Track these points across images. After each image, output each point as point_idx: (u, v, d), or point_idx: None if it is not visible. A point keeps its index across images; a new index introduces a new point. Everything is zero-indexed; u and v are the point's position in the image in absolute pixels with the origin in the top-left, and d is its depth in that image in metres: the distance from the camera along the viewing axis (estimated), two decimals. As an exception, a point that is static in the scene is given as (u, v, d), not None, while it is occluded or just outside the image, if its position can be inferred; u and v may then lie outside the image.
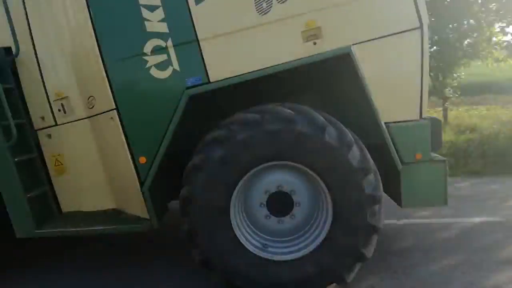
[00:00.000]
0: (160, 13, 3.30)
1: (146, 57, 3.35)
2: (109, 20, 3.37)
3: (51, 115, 3.67)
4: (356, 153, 3.13)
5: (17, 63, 3.63)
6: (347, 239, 3.15)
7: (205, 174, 3.09)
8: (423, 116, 3.58)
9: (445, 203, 3.71)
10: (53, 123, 3.69)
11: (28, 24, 3.57)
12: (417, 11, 3.42)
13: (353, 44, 3.37)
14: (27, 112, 3.71)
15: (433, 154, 3.78)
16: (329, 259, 3.17)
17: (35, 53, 3.59)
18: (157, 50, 3.33)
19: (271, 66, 3.31)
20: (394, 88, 3.53)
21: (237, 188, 3.15)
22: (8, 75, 3.60)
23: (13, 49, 3.57)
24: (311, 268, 3.18)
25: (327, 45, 3.33)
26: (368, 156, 3.20)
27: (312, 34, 3.37)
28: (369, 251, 3.23)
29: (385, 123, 3.47)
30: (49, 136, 3.73)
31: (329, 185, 3.15)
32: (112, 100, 3.39)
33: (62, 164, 3.76)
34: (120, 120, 3.41)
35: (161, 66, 3.37)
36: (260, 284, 3.19)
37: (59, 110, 3.66)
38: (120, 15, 3.36)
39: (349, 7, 3.37)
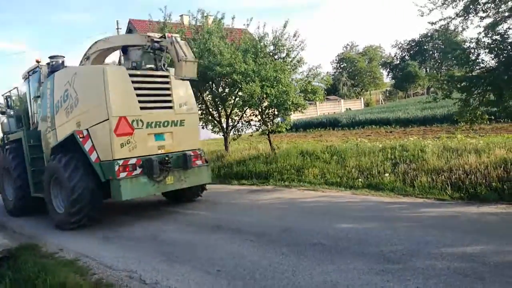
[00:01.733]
0: (50, 119, 9.29)
1: (48, 134, 9.40)
2: (42, 119, 9.78)
3: None
4: (72, 175, 8.02)
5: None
6: (67, 209, 8.17)
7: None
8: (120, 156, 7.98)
9: (121, 199, 7.96)
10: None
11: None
12: (107, 110, 7.86)
13: (90, 127, 8.21)
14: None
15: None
16: (65, 215, 8.23)
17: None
18: (48, 132, 9.40)
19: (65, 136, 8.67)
20: (103, 147, 8.07)
21: (50, 187, 8.67)
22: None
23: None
24: (65, 216, 8.26)
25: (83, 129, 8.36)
26: (76, 175, 8.02)
27: (79, 124, 8.41)
28: (76, 214, 8.04)
29: (103, 160, 8.10)
30: None
31: (61, 184, 8.34)
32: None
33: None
34: None
35: (53, 137, 9.22)
36: (63, 221, 8.37)
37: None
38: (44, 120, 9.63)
39: (87, 113, 8.26)
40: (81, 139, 8.12)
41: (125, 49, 9.12)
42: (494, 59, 8.64)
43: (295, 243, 6.19)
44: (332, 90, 57.58)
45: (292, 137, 23.57)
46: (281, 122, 14.83)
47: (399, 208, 7.98)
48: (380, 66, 73.04)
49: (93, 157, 8.09)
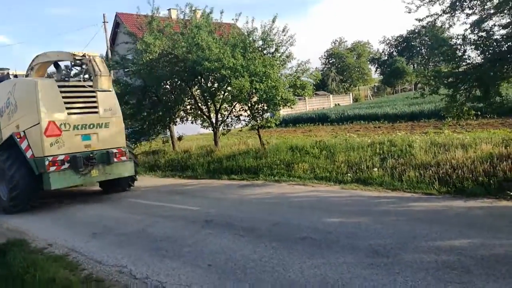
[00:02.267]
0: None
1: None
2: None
3: None
4: (11, 167, 9.76)
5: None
6: (8, 195, 9.85)
7: None
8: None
9: (50, 188, 9.57)
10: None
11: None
12: (38, 115, 9.57)
13: (26, 129, 9.91)
14: None
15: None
16: (7, 201, 9.96)
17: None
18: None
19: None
20: (36, 146, 9.73)
21: None
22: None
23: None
24: (7, 202, 9.95)
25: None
26: (14, 168, 9.73)
27: (18, 127, 10.16)
28: (14, 200, 9.79)
29: (36, 157, 9.70)
30: None
31: (3, 175, 10.00)
32: None
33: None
34: None
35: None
36: (7, 207, 10.01)
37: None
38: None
39: (23, 117, 10.02)
40: (18, 139, 9.82)
41: (56, 64, 10.75)
42: (480, 56, 8.77)
43: (285, 238, 6.23)
44: (321, 86, 57.73)
45: (281, 132, 23.63)
46: (271, 117, 14.87)
47: (388, 203, 8.08)
48: (368, 62, 73.43)
49: (28, 154, 9.75)
